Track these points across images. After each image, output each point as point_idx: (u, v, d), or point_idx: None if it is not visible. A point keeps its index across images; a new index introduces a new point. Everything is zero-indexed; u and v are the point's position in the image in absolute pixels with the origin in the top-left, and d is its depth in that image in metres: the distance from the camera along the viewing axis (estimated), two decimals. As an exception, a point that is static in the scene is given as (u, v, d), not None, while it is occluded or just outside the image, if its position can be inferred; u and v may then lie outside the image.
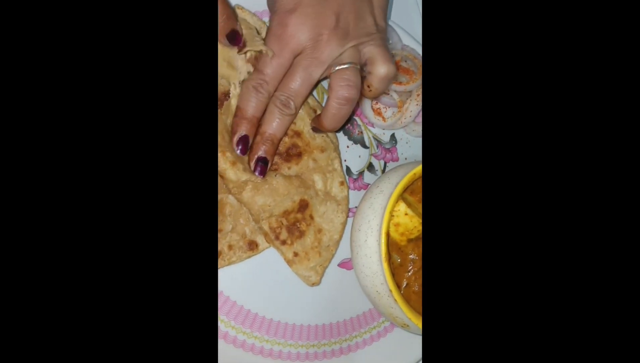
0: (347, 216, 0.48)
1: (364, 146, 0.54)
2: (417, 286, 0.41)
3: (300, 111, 0.46)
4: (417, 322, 0.38)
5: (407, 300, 0.41)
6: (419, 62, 0.52)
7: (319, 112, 0.48)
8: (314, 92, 0.51)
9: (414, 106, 0.52)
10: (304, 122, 0.47)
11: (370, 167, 0.53)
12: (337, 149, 0.49)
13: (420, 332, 0.41)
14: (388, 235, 0.41)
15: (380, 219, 0.39)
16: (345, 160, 0.52)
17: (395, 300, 0.38)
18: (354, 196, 0.50)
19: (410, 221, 0.41)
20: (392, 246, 0.42)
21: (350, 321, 0.48)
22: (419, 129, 0.55)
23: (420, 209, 0.43)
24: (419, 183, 0.44)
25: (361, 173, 0.53)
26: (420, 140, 0.56)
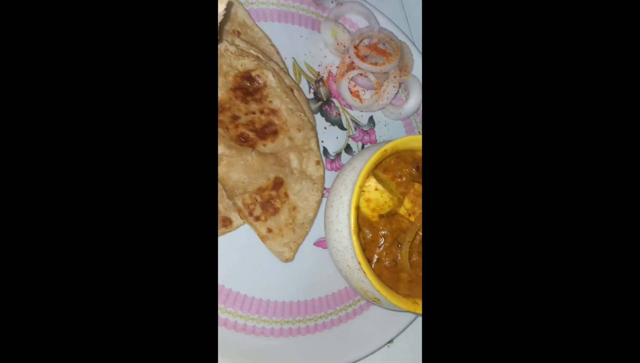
0: (323, 195, 0.49)
1: (342, 127, 0.54)
2: (388, 262, 0.42)
3: (277, 89, 0.47)
4: (387, 296, 0.39)
5: (378, 274, 0.42)
6: (395, 44, 0.53)
7: (295, 92, 0.49)
8: (290, 72, 0.52)
9: (391, 88, 0.53)
10: (280, 100, 0.47)
11: (348, 149, 0.54)
12: (314, 129, 0.50)
13: (393, 306, 0.41)
14: (358, 209, 0.42)
15: (350, 194, 0.40)
16: (322, 141, 0.52)
17: (365, 273, 0.38)
18: (331, 177, 0.50)
19: (380, 196, 0.42)
20: (363, 222, 0.42)
21: (325, 299, 0.49)
22: (397, 111, 0.56)
23: (391, 186, 0.43)
24: (392, 161, 0.44)
25: (338, 154, 0.53)
26: (399, 123, 0.57)
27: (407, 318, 0.50)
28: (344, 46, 0.53)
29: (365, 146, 0.53)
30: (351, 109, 0.54)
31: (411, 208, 0.42)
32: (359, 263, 0.39)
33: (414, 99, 0.55)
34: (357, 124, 0.54)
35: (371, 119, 0.55)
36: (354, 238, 0.39)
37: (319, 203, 0.48)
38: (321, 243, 0.49)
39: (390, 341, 0.51)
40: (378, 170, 0.44)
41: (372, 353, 0.48)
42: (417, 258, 0.43)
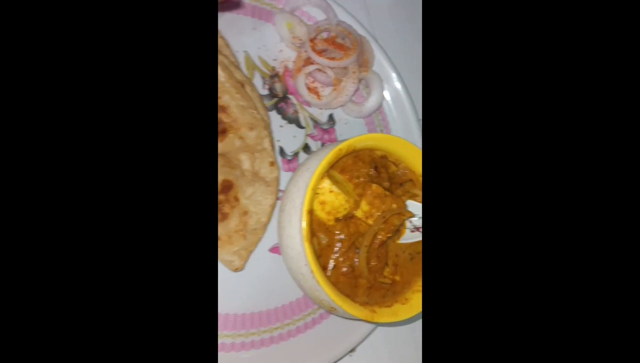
0: (278, 198, 0.46)
1: (300, 126, 0.51)
2: (345, 267, 0.39)
3: (226, 83, 0.44)
4: (342, 305, 0.36)
5: (335, 282, 0.39)
6: (354, 38, 0.50)
7: (247, 87, 0.46)
8: (242, 66, 0.48)
9: (351, 84, 0.50)
10: (230, 96, 0.44)
11: (306, 148, 0.51)
12: (268, 127, 0.47)
13: (350, 315, 0.39)
14: (312, 213, 0.39)
15: (303, 197, 0.37)
16: (278, 140, 0.49)
17: (318, 281, 0.36)
18: (288, 179, 0.47)
19: (336, 198, 0.39)
20: (318, 226, 0.40)
21: (282, 308, 0.46)
22: (358, 109, 0.53)
23: (348, 188, 0.41)
24: (350, 161, 0.42)
25: (296, 154, 0.50)
26: (360, 121, 0.55)
27: (370, 326, 0.47)
28: (301, 40, 0.50)
29: (322, 146, 0.50)
30: (309, 106, 0.51)
31: (369, 210, 0.40)
32: (312, 271, 0.36)
33: (375, 97, 0.53)
34: (315, 122, 0.52)
35: (331, 117, 0.53)
36: (306, 244, 0.36)
37: (274, 206, 0.45)
38: (277, 249, 0.46)
39: (353, 350, 0.49)
40: (334, 171, 0.41)
41: (333, 363, 0.46)
42: (376, 263, 0.40)
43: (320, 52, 0.49)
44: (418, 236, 0.42)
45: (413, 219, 0.42)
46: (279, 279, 0.45)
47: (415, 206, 0.42)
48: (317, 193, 0.39)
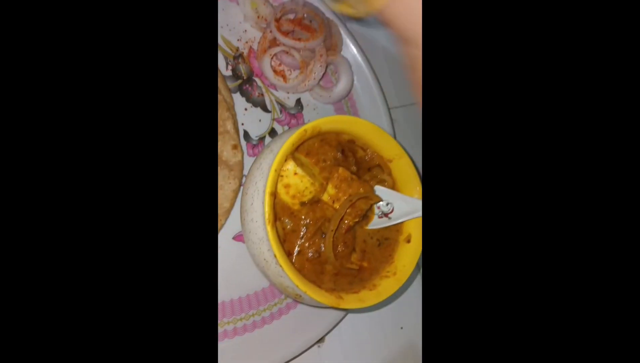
0: (242, 184, 0.44)
1: (265, 109, 0.49)
2: (311, 253, 0.38)
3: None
4: (307, 291, 0.35)
5: (300, 268, 0.38)
6: (320, 20, 0.49)
7: None
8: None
9: (318, 68, 0.49)
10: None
11: (273, 133, 0.49)
12: (231, 109, 0.45)
13: (316, 303, 0.37)
14: (276, 196, 0.37)
15: (266, 179, 0.35)
16: (242, 123, 0.47)
17: (282, 266, 0.34)
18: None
19: (301, 181, 0.37)
20: (283, 211, 0.38)
21: (247, 298, 0.44)
22: (326, 94, 0.52)
23: (314, 171, 0.39)
24: (316, 144, 0.40)
25: (262, 139, 0.48)
26: (329, 107, 0.53)
27: (338, 315, 0.46)
28: (266, 20, 0.48)
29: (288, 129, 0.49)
30: (275, 89, 0.50)
31: (335, 194, 0.39)
32: (275, 256, 0.34)
33: (344, 82, 0.52)
34: (282, 107, 0.50)
35: (299, 101, 0.51)
36: (269, 227, 0.34)
37: (237, 192, 0.43)
38: (241, 237, 0.44)
39: (321, 340, 0.47)
40: (300, 153, 0.39)
41: (299, 354, 0.44)
42: (343, 249, 0.39)
43: (286, 33, 0.47)
44: (386, 222, 0.41)
45: (381, 204, 0.42)
46: (244, 268, 0.43)
47: (383, 192, 0.41)
48: (281, 176, 0.37)
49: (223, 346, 0.41)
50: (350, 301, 0.37)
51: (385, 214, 0.42)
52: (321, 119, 0.38)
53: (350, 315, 0.49)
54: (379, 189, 0.41)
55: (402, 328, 0.52)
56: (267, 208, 0.34)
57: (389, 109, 0.54)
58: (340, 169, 0.39)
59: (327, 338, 0.48)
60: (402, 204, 0.40)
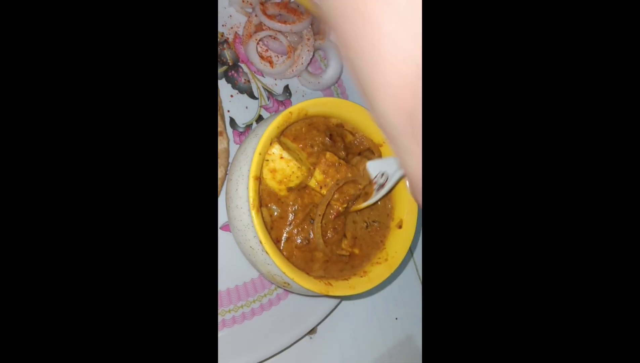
0: (227, 172, 0.42)
1: (252, 96, 0.48)
2: (299, 239, 0.37)
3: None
4: (295, 278, 0.34)
5: (289, 255, 0.37)
6: (307, 3, 0.48)
7: None
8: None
9: (306, 52, 0.48)
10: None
11: (260, 120, 0.48)
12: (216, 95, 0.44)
13: (305, 291, 0.36)
14: (262, 182, 0.36)
15: (250, 163, 0.34)
16: (228, 111, 0.46)
17: (268, 253, 0.33)
18: (240, 151, 0.44)
19: (287, 165, 0.36)
20: (269, 197, 0.37)
21: (235, 289, 0.43)
22: (315, 81, 0.51)
23: (302, 156, 0.38)
24: (304, 129, 0.39)
25: (249, 126, 0.47)
26: (318, 94, 0.52)
27: (330, 306, 0.45)
28: (251, 4, 0.47)
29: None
30: (262, 75, 0.48)
31: (322, 179, 0.37)
32: (261, 242, 0.33)
33: (333, 68, 0.51)
34: (270, 93, 0.49)
35: (287, 88, 0.50)
36: (253, 212, 0.33)
37: (223, 180, 0.42)
38: (228, 227, 0.43)
39: (313, 331, 0.46)
40: (287, 138, 0.38)
41: (291, 345, 0.43)
42: (333, 235, 0.38)
43: (272, 17, 0.46)
44: (385, 190, 0.39)
45: (376, 178, 0.39)
46: (231, 259, 0.42)
47: (374, 166, 0.39)
48: (267, 160, 0.36)
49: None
50: (340, 288, 0.36)
51: (382, 185, 0.40)
52: (308, 101, 0.37)
53: (343, 306, 0.48)
54: (371, 165, 0.39)
55: (396, 319, 0.51)
56: (251, 193, 0.33)
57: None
58: (328, 154, 0.38)
59: (319, 329, 0.47)
60: (394, 167, 0.38)
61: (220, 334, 0.41)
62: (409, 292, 0.52)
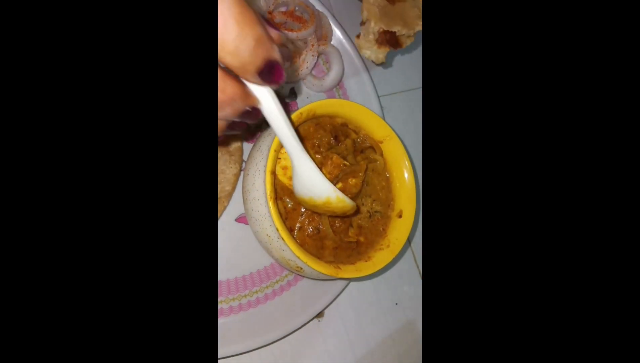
0: (242, 168, 0.46)
1: (261, 98, 0.52)
2: (311, 229, 0.41)
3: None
4: (307, 261, 0.38)
5: (301, 243, 0.41)
6: (311, 11, 0.51)
7: None
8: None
9: (310, 57, 0.51)
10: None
11: (269, 120, 0.52)
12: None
13: (316, 274, 0.40)
14: (276, 177, 0.40)
15: (266, 159, 0.38)
16: (240, 112, 0.50)
17: (284, 239, 0.37)
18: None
19: (298, 162, 0.40)
20: (283, 191, 0.41)
21: (250, 276, 0.46)
22: (319, 83, 0.54)
23: (310, 155, 0.42)
24: (311, 128, 0.43)
25: (258, 127, 0.51)
26: (321, 95, 0.56)
27: (336, 290, 0.49)
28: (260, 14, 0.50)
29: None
30: (270, 79, 0.52)
31: (329, 179, 0.41)
32: (277, 229, 0.37)
33: (335, 71, 0.54)
34: (277, 95, 0.52)
35: (292, 90, 0.54)
36: (270, 203, 0.37)
37: (237, 176, 0.45)
38: (243, 219, 0.47)
39: (321, 315, 0.50)
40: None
41: (300, 327, 0.47)
42: (340, 224, 0.42)
43: (279, 25, 0.50)
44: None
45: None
46: (247, 248, 0.46)
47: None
48: (279, 158, 0.40)
49: (228, 321, 0.44)
50: (348, 271, 0.40)
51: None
52: (315, 102, 0.41)
53: (348, 291, 0.51)
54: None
55: (396, 304, 0.55)
56: (268, 185, 0.37)
57: (378, 96, 0.57)
58: (335, 157, 0.41)
59: (326, 312, 0.50)
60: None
61: (236, 317, 0.44)
62: (408, 279, 0.56)
